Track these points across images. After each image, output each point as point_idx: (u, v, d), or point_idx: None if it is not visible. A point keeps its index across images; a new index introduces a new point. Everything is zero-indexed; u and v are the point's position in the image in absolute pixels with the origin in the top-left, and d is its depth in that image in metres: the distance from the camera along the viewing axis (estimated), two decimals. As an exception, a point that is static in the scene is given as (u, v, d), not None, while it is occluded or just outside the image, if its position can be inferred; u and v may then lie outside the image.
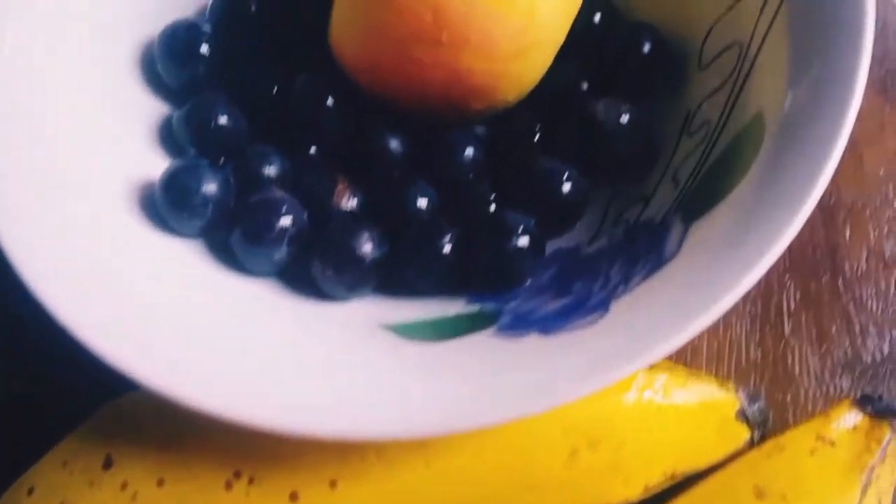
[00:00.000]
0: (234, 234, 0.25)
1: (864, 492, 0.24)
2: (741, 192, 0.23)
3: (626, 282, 0.23)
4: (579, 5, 0.27)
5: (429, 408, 0.21)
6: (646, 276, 0.23)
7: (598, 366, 0.20)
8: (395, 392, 0.21)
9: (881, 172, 0.30)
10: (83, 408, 0.25)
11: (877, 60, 0.31)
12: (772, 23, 0.25)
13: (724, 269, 0.21)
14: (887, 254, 0.29)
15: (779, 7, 0.25)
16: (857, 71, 0.22)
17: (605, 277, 0.24)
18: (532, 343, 0.22)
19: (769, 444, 0.25)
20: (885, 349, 0.28)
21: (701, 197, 0.24)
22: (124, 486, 0.23)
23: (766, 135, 0.23)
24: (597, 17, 0.29)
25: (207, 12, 0.29)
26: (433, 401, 0.21)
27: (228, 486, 0.23)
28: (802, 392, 0.28)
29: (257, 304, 0.25)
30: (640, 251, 0.24)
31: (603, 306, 0.23)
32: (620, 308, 0.22)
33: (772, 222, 0.21)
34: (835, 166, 0.21)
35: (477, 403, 0.21)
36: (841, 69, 0.22)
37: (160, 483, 0.23)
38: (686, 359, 0.28)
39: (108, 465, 0.23)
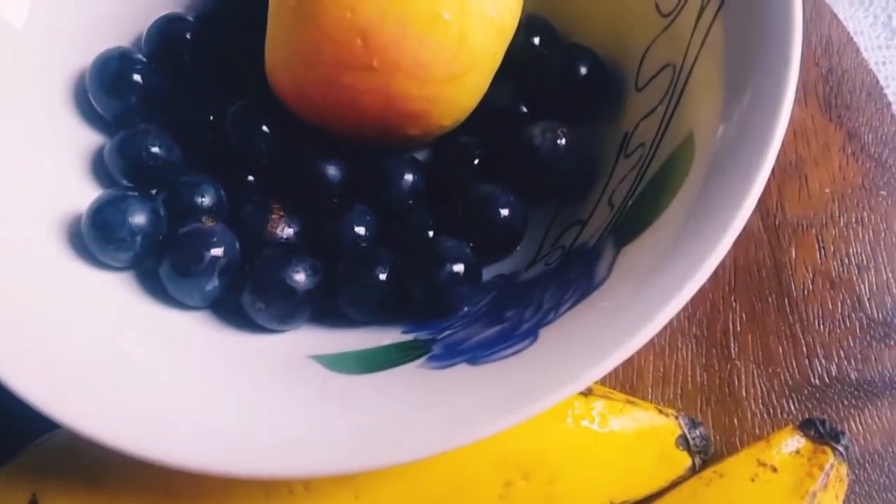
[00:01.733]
0: (162, 266, 0.25)
1: (805, 518, 0.23)
2: (669, 216, 0.22)
3: (556, 308, 0.23)
4: (513, 31, 0.26)
5: (349, 442, 0.20)
6: (575, 303, 0.22)
7: (522, 396, 0.20)
8: (317, 426, 0.21)
9: (826, 192, 0.30)
10: (8, 447, 0.25)
11: (822, 78, 0.31)
12: (702, 44, 0.25)
13: (650, 295, 0.21)
14: (834, 273, 0.29)
15: (709, 29, 0.24)
16: (785, 94, 0.22)
17: (538, 304, 0.24)
18: (459, 374, 0.22)
19: (709, 472, 0.24)
20: (833, 370, 0.28)
21: (632, 221, 0.24)
22: (48, 527, 0.23)
23: (696, 157, 0.23)
24: (536, 40, 0.29)
25: (143, 40, 0.29)
26: (353, 435, 0.20)
27: (153, 525, 0.22)
28: (749, 415, 0.27)
29: (187, 337, 0.25)
30: (571, 277, 0.24)
31: (532, 334, 0.22)
32: (549, 335, 0.22)
33: (697, 247, 0.21)
34: (760, 191, 0.21)
35: (398, 437, 0.20)
36: (769, 92, 0.22)
37: (84, 524, 0.22)
38: (632, 382, 0.28)
39: (31, 505, 0.23)
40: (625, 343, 0.20)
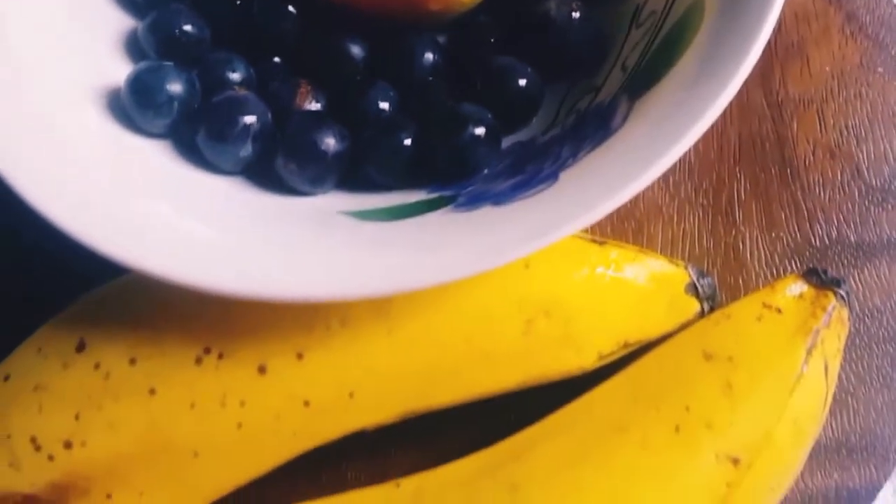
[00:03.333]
0: (199, 133, 0.26)
1: (809, 353, 0.25)
2: (680, 68, 0.24)
3: (574, 156, 0.24)
4: None
5: (382, 269, 0.22)
6: (592, 149, 0.24)
7: (544, 226, 0.22)
8: (352, 259, 0.22)
9: (826, 70, 0.31)
10: (55, 304, 0.26)
11: (822, -37, 0.32)
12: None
13: (663, 134, 0.22)
14: (833, 144, 0.30)
15: None
16: None
17: (556, 156, 0.25)
18: (484, 213, 0.23)
19: (717, 314, 0.26)
20: (833, 233, 0.29)
21: (645, 76, 0.25)
22: (97, 366, 0.24)
23: (705, 15, 0.24)
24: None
25: (171, -72, 0.30)
26: (389, 263, 0.22)
27: (198, 361, 0.24)
28: (753, 276, 0.29)
29: (224, 197, 0.26)
30: (587, 132, 0.25)
31: (553, 177, 0.24)
32: (568, 177, 0.23)
33: (708, 89, 0.22)
34: (763, 43, 0.22)
35: (429, 264, 0.22)
36: None
37: (132, 362, 0.24)
38: (643, 247, 0.29)
39: (80, 347, 0.24)
40: (639, 177, 0.22)
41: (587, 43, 0.28)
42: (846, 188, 0.30)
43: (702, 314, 0.26)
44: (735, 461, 0.23)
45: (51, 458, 0.24)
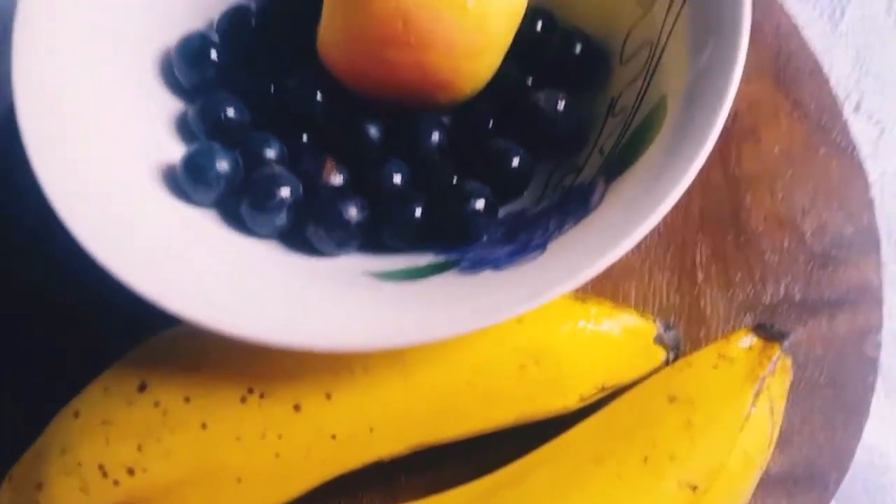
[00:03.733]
0: (242, 204, 0.31)
1: (756, 396, 0.29)
2: (647, 158, 0.28)
3: (559, 229, 0.29)
4: (521, 15, 0.33)
5: (402, 325, 0.26)
6: (574, 224, 0.28)
7: (536, 289, 0.26)
8: (374, 316, 0.27)
9: (776, 150, 0.36)
10: (118, 349, 0.30)
11: (773, 57, 0.38)
12: (673, 28, 0.31)
13: (633, 214, 0.27)
14: (781, 215, 0.35)
15: (677, 16, 0.31)
16: (734, 66, 0.27)
17: (545, 227, 0.30)
18: (485, 277, 0.28)
19: (680, 362, 0.30)
20: (781, 292, 0.34)
21: (619, 162, 0.30)
22: (157, 404, 0.28)
23: (668, 113, 0.29)
24: (538, 24, 0.35)
25: (215, 24, 0.35)
26: (406, 320, 0.26)
27: (243, 400, 0.28)
28: (713, 328, 0.34)
29: (263, 258, 0.31)
30: (571, 207, 0.30)
31: (542, 247, 0.28)
32: (555, 247, 0.28)
33: (669, 178, 0.27)
34: (716, 136, 0.27)
35: (439, 322, 0.26)
36: (723, 64, 0.28)
37: (186, 400, 0.28)
38: (618, 301, 0.34)
39: (142, 388, 0.28)
40: (613, 250, 0.26)
41: (570, 129, 0.33)
42: (792, 254, 0.35)
43: (667, 362, 0.31)
44: (694, 488, 0.28)
45: (116, 483, 0.27)
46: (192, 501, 0.28)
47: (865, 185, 0.36)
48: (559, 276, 0.26)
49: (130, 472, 0.27)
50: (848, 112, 0.40)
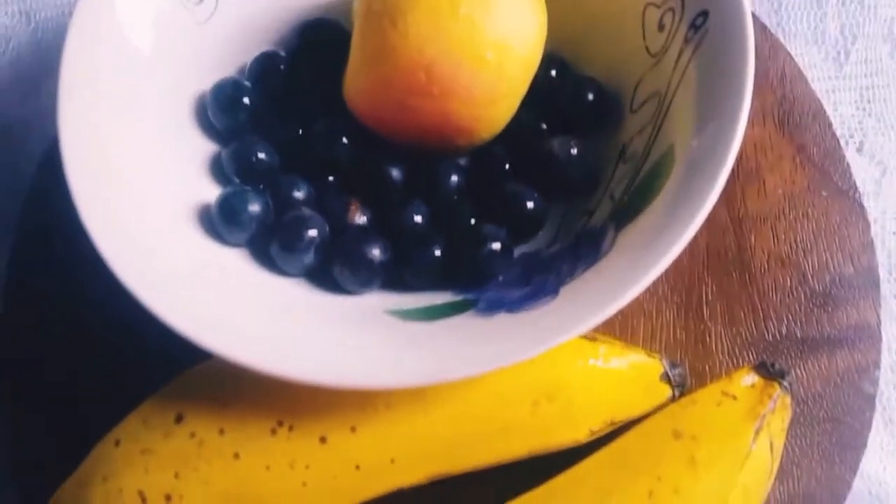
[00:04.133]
0: (273, 244, 0.33)
1: (757, 433, 0.31)
2: (655, 206, 0.30)
3: (571, 273, 0.31)
4: (537, 65, 0.34)
5: (424, 366, 0.28)
6: (585, 269, 0.30)
7: (549, 332, 0.28)
8: (397, 355, 0.29)
9: (779, 192, 0.38)
10: (155, 381, 0.32)
11: (777, 102, 0.39)
12: (681, 78, 0.32)
13: (641, 262, 0.28)
14: (784, 255, 0.37)
15: (686, 67, 0.32)
16: (740, 117, 0.29)
17: (557, 271, 0.31)
18: (501, 319, 0.30)
19: (685, 399, 0.32)
20: (783, 330, 0.36)
21: (629, 210, 0.31)
22: (193, 435, 0.30)
23: (675, 163, 0.31)
24: (552, 73, 0.37)
25: (247, 72, 0.37)
26: (428, 361, 0.28)
27: (273, 432, 0.30)
28: (717, 363, 0.35)
29: (291, 296, 0.32)
30: (582, 252, 0.32)
31: (554, 291, 0.30)
32: (567, 292, 0.30)
33: (676, 228, 0.29)
34: (722, 187, 0.28)
35: (460, 361, 0.28)
36: (729, 115, 0.29)
37: (221, 432, 0.30)
38: (627, 338, 0.36)
39: (179, 419, 0.30)
40: (622, 296, 0.28)
41: (582, 174, 0.35)
42: (794, 292, 0.36)
43: (673, 398, 0.33)
44: (697, 520, 0.29)
45: (154, 508, 0.30)
46: (225, 527, 0.30)
47: (866, 227, 0.37)
48: (570, 323, 0.28)
49: (168, 498, 0.29)
50: (851, 152, 0.41)
